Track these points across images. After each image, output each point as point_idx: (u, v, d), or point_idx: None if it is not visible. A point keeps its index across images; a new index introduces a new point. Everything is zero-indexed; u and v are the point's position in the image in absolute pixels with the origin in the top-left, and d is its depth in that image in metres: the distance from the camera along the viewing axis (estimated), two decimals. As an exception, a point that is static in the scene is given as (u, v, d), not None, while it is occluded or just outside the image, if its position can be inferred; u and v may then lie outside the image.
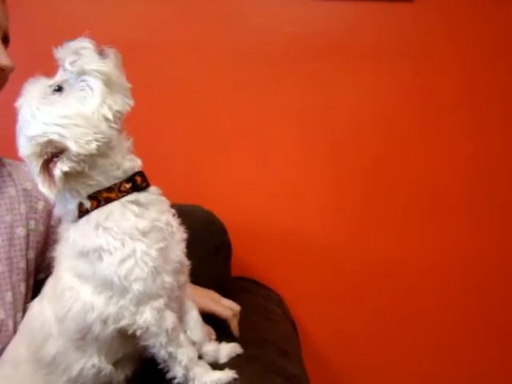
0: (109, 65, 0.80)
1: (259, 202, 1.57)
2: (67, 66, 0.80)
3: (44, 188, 0.78)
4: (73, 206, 0.83)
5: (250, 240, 1.52)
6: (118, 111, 0.80)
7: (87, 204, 0.81)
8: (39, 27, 1.51)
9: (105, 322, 0.81)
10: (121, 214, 0.81)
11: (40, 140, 0.77)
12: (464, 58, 1.53)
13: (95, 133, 0.78)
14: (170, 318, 0.83)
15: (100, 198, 0.81)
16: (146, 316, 0.81)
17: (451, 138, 1.55)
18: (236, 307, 1.08)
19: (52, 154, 0.78)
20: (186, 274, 0.90)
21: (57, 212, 0.86)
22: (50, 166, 0.78)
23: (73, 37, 0.80)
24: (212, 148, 1.55)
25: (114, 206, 0.81)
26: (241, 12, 1.54)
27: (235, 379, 0.86)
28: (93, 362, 0.85)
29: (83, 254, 0.81)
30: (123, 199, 0.82)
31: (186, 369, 0.84)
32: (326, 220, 1.58)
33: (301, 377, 1.00)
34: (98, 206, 0.81)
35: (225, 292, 1.31)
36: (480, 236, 1.58)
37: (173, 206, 0.90)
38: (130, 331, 0.82)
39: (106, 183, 0.82)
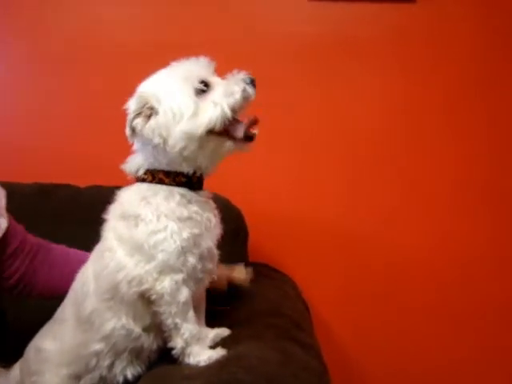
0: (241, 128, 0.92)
1: (272, 190, 1.64)
2: (223, 91, 0.91)
3: (127, 127, 0.92)
4: (134, 168, 0.96)
5: (263, 227, 1.58)
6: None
7: (141, 172, 0.95)
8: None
9: (130, 282, 0.92)
10: (165, 197, 0.93)
11: (146, 94, 0.91)
12: (463, 57, 1.61)
13: (179, 131, 0.89)
14: (184, 293, 0.92)
15: (156, 176, 0.94)
16: (165, 284, 0.91)
17: (452, 134, 1.64)
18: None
19: (147, 111, 0.91)
20: (214, 262, 0.98)
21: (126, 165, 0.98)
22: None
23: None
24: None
25: (161, 188, 0.93)
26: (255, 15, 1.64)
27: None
28: (122, 323, 0.94)
29: (124, 217, 0.94)
30: (172, 187, 0.94)
31: (186, 343, 0.93)
32: (338, 208, 1.65)
33: (314, 345, 1.08)
34: (151, 181, 0.94)
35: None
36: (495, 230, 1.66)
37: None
38: (147, 295, 0.91)
39: (167, 167, 0.94)
